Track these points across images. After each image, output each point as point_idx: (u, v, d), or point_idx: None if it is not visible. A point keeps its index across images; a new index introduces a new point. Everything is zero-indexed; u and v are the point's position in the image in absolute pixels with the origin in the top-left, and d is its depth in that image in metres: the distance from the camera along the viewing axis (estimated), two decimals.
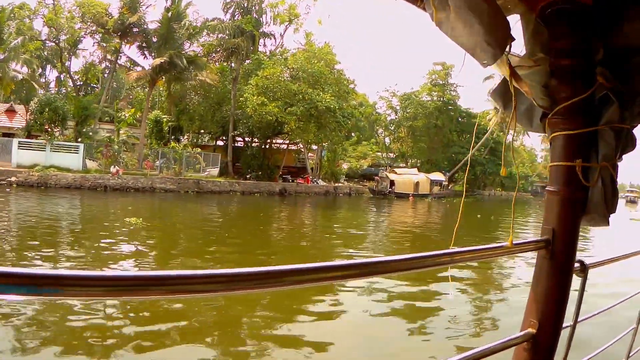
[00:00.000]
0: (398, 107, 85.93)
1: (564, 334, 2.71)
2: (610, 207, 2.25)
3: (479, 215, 42.49)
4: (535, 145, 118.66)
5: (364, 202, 56.12)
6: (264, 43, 65.07)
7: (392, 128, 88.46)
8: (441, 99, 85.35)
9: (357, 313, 11.50)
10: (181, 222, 27.00)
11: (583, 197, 2.25)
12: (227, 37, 57.64)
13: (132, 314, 10.04)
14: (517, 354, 2.29)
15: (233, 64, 60.51)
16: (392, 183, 67.49)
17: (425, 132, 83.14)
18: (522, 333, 2.24)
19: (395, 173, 70.63)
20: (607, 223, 2.29)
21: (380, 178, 69.85)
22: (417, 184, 68.72)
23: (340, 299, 12.52)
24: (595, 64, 2.25)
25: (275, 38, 65.60)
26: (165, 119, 54.57)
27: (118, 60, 61.39)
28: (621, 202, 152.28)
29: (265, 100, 51.76)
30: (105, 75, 64.74)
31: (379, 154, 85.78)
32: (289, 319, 10.85)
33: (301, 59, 57.16)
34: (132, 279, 1.13)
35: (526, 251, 2.32)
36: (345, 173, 72.73)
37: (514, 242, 2.09)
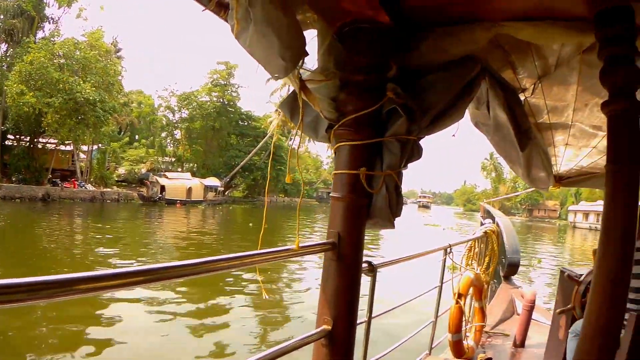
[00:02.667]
0: (177, 108, 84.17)
1: (362, 329, 3.18)
2: (395, 211, 2.61)
3: (251, 224, 42.91)
4: (321, 152, 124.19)
5: (132, 209, 53.55)
6: (44, 28, 60.73)
7: (169, 130, 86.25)
8: (221, 99, 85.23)
9: (147, 323, 11.96)
10: None
11: (367, 202, 2.57)
12: (6, 19, 53.24)
13: None
14: (316, 350, 2.57)
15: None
16: (162, 188, 66.43)
17: (203, 135, 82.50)
18: (318, 330, 2.51)
19: (167, 178, 69.39)
20: (392, 226, 2.63)
21: (151, 183, 68.25)
22: (189, 190, 68.27)
23: (126, 309, 12.92)
24: (387, 80, 2.57)
25: (55, 22, 61.42)
26: None
27: None
28: (415, 207, 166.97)
29: (25, 89, 48.10)
30: None
31: (159, 158, 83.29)
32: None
33: (69, 44, 53.84)
34: None
35: (313, 253, 2.58)
36: (119, 177, 69.93)
37: (300, 245, 2.38)
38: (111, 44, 66.92)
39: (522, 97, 3.64)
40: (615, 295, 2.28)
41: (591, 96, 2.87)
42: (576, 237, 62.33)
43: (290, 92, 2.70)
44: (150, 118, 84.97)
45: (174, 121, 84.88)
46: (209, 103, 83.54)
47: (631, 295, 3.99)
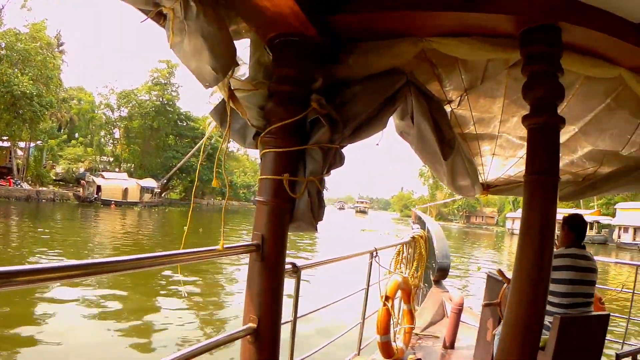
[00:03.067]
0: (116, 106, 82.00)
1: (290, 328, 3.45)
2: (317, 215, 2.77)
3: (185, 227, 40.83)
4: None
5: (67, 210, 51.92)
6: None
7: (108, 128, 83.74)
8: (160, 99, 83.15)
9: (80, 322, 11.86)
10: None
11: (290, 207, 2.73)
12: None
13: None
14: (243, 346, 2.74)
15: None
16: (98, 189, 65.01)
17: (141, 134, 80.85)
18: (244, 327, 2.68)
19: (103, 178, 67.85)
20: (315, 230, 2.80)
21: (87, 183, 66.00)
22: (125, 191, 67.11)
23: (59, 309, 12.78)
24: (313, 91, 2.73)
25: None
26: None
27: None
28: (352, 212, 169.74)
29: None
30: None
31: (97, 157, 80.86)
32: None
33: (11, 35, 52.78)
34: None
35: (237, 254, 2.77)
36: (57, 176, 68.07)
37: (225, 246, 2.53)
38: (54, 37, 65.56)
39: (448, 108, 3.83)
40: (534, 297, 2.51)
41: (517, 108, 3.04)
42: (514, 244, 63.78)
43: (220, 100, 2.83)
44: (90, 116, 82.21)
45: (113, 119, 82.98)
46: (148, 102, 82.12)
47: (554, 300, 4.23)
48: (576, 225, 4.60)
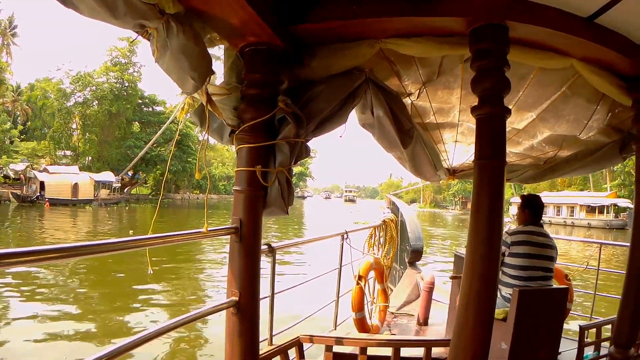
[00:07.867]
0: (69, 91, 77.75)
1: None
2: (287, 201, 3.39)
3: (131, 232, 36.06)
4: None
5: (4, 212, 47.86)
6: None
7: (62, 117, 77.74)
8: (119, 80, 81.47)
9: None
10: None
11: (263, 194, 3.33)
12: None
13: None
14: (227, 318, 3.37)
15: None
16: (42, 185, 61.38)
17: (98, 122, 77.32)
18: (227, 300, 3.31)
19: (48, 172, 63.81)
20: (286, 213, 3.42)
21: (28, 179, 63.48)
22: (75, 187, 63.36)
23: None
24: (280, 92, 3.36)
25: None
26: None
27: None
28: (339, 201, 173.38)
29: None
30: None
31: (51, 150, 76.96)
32: None
33: None
34: None
35: (219, 235, 3.32)
36: (17, 174, 64.97)
37: (209, 229, 3.14)
38: (7, 19, 66.12)
39: (408, 100, 4.50)
40: (486, 270, 3.02)
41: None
42: None
43: (199, 104, 3.41)
44: (40, 102, 79.06)
45: (67, 106, 79.60)
46: (105, 84, 79.74)
47: (514, 272, 4.99)
48: (532, 205, 5.33)
